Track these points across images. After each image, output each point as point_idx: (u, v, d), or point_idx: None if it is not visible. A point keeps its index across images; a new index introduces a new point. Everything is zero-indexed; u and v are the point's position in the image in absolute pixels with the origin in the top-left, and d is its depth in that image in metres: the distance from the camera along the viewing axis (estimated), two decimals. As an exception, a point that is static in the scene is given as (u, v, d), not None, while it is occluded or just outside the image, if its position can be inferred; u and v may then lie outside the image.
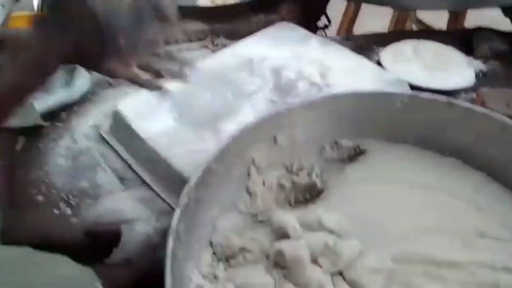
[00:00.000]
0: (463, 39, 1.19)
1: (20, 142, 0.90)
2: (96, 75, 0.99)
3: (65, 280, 0.51)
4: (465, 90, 1.03)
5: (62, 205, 0.80)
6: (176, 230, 0.57)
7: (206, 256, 0.65)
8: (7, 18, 1.13)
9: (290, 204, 0.76)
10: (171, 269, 0.53)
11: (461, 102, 0.75)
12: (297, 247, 0.62)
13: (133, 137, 0.85)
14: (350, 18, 1.48)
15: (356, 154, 0.80)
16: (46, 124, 0.92)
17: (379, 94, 0.78)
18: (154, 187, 0.82)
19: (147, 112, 0.86)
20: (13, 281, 0.49)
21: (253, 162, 0.74)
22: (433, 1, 1.12)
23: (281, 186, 0.76)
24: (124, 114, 0.87)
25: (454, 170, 0.75)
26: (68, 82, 0.95)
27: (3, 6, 1.17)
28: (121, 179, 0.84)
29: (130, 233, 0.77)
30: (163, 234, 0.73)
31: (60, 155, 0.87)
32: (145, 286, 0.58)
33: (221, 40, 1.14)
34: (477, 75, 1.07)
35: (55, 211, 0.79)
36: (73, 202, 0.81)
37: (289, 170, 0.78)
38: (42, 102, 0.92)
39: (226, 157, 0.67)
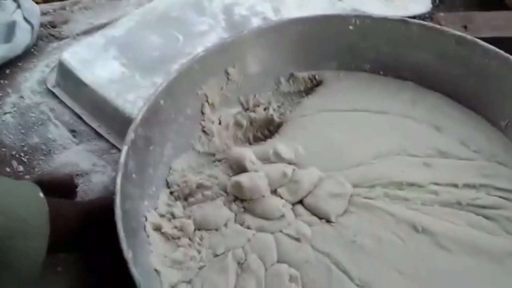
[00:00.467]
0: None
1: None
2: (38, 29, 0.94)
3: (4, 189, 0.49)
4: (422, 16, 1.02)
5: (14, 163, 0.77)
6: (125, 166, 0.54)
7: (163, 196, 0.62)
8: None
9: (249, 142, 0.74)
10: (121, 205, 0.50)
11: (414, 20, 0.73)
12: (255, 178, 0.61)
13: (81, 87, 0.81)
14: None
15: (313, 86, 0.78)
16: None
17: (330, 17, 0.75)
18: (108, 137, 0.79)
19: (93, 60, 0.82)
20: None
21: (206, 100, 0.71)
22: None
23: (238, 124, 0.74)
24: (70, 65, 0.82)
25: (410, 92, 0.74)
26: (9, 37, 0.89)
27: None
28: (73, 132, 0.81)
29: (87, 186, 0.74)
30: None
31: (8, 113, 0.83)
32: (98, 230, 0.56)
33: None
34: (433, 2, 1.05)
35: (7, 169, 0.76)
36: (25, 159, 0.77)
37: (245, 107, 0.75)
38: (-17, 59, 0.87)
39: (174, 92, 0.65)
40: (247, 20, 0.91)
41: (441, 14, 0.94)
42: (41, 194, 0.50)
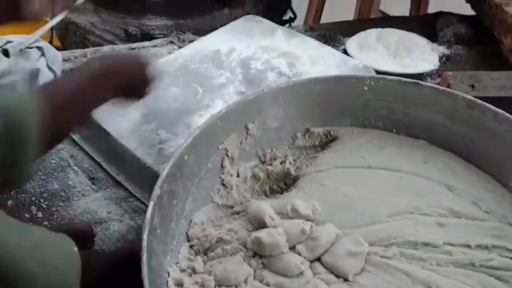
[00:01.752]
0: (426, 25, 1.22)
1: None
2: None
3: (44, 240, 0.51)
4: (430, 74, 1.06)
5: (33, 208, 0.78)
6: (151, 223, 0.56)
7: (184, 250, 0.64)
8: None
9: (266, 194, 0.76)
10: (147, 262, 0.52)
11: (426, 83, 0.76)
12: (275, 235, 0.62)
13: (102, 135, 0.83)
14: (316, 10, 1.49)
15: (328, 141, 0.80)
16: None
17: (346, 78, 0.78)
18: (127, 186, 0.81)
19: (114, 109, 0.84)
20: None
21: (226, 154, 0.74)
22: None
23: (256, 177, 0.76)
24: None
25: (423, 151, 0.76)
26: (33, 84, 0.92)
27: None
28: (92, 180, 0.83)
29: (105, 234, 0.75)
30: (138, 232, 0.72)
31: (28, 159, 0.85)
32: (121, 279, 0.57)
33: (187, 36, 1.13)
34: (441, 59, 1.09)
35: (26, 215, 0.77)
36: (44, 205, 0.79)
37: (262, 160, 0.78)
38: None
39: (198, 148, 0.67)
40: (263, 74, 0.94)
41: (449, 73, 0.98)
42: (76, 248, 0.51)
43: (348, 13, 1.67)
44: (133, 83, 0.66)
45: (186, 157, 0.65)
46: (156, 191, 0.59)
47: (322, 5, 1.54)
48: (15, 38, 0.98)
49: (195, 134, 0.67)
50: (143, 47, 1.09)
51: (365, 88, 0.78)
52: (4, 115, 0.47)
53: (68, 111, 0.56)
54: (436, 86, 0.76)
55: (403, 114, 0.78)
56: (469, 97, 0.74)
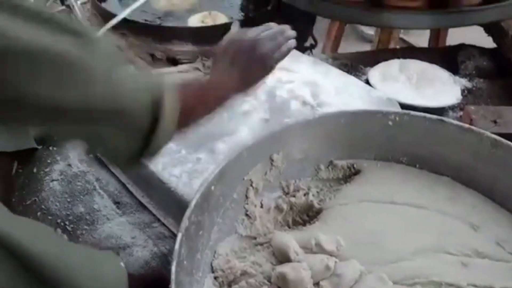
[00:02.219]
0: (447, 57, 1.23)
1: (14, 167, 0.89)
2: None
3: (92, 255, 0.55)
4: (452, 107, 1.06)
5: (58, 230, 0.79)
6: (179, 254, 0.57)
7: (209, 282, 0.64)
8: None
9: (288, 226, 0.76)
10: (177, 295, 0.53)
11: (451, 120, 0.77)
12: (299, 270, 0.63)
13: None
14: (335, 37, 1.51)
15: (351, 174, 0.81)
16: (39, 147, 0.92)
17: (371, 113, 0.79)
18: (151, 208, 0.82)
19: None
20: None
21: (251, 184, 0.75)
22: (415, 20, 1.15)
23: (279, 208, 0.76)
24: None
25: (447, 188, 0.77)
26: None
27: None
28: (117, 204, 0.84)
29: (128, 259, 0.76)
30: (162, 259, 0.73)
31: (55, 180, 0.87)
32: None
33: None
34: (462, 92, 1.10)
35: (51, 237, 0.79)
36: (69, 228, 0.80)
37: (285, 191, 0.79)
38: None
39: (224, 179, 0.68)
40: (287, 103, 0.96)
41: (472, 107, 0.99)
42: (122, 264, 0.53)
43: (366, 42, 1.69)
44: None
45: (213, 188, 0.66)
46: (185, 222, 0.60)
47: (341, 33, 1.55)
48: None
49: (223, 165, 0.68)
50: (169, 73, 1.11)
51: (390, 123, 0.78)
52: (151, 93, 0.53)
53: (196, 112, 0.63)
54: (461, 124, 0.77)
55: (427, 150, 0.79)
56: (494, 136, 0.74)
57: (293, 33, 0.72)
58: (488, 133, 0.75)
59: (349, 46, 1.70)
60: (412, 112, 0.79)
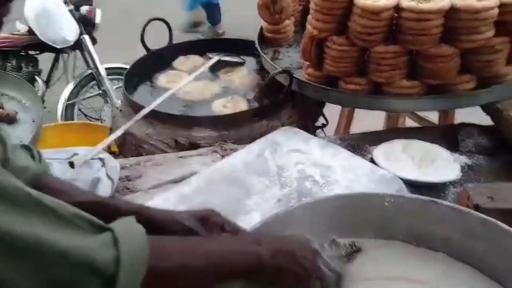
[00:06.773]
0: (449, 135, 1.31)
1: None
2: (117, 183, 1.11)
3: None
4: (453, 183, 1.13)
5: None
6: None
7: None
8: (38, 131, 1.29)
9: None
10: None
11: (442, 201, 0.85)
12: None
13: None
14: (347, 117, 1.62)
15: (352, 252, 0.88)
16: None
17: (368, 195, 0.88)
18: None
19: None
20: None
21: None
22: (415, 104, 1.24)
23: None
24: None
25: (442, 265, 0.83)
26: (93, 191, 1.06)
27: (33, 121, 1.34)
28: None
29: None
30: None
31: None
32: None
33: (229, 145, 1.26)
34: (463, 169, 1.17)
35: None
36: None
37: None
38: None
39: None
40: (298, 182, 1.06)
41: (470, 185, 1.05)
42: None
43: (379, 118, 1.79)
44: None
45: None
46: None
47: (352, 113, 1.67)
48: (81, 150, 1.14)
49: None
50: (190, 156, 1.23)
51: (386, 204, 0.86)
52: (117, 249, 0.53)
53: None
54: (451, 204, 0.84)
55: (423, 229, 0.85)
56: (482, 216, 0.81)
57: None
58: (476, 213, 0.82)
59: (362, 118, 1.81)
60: (407, 194, 0.87)
